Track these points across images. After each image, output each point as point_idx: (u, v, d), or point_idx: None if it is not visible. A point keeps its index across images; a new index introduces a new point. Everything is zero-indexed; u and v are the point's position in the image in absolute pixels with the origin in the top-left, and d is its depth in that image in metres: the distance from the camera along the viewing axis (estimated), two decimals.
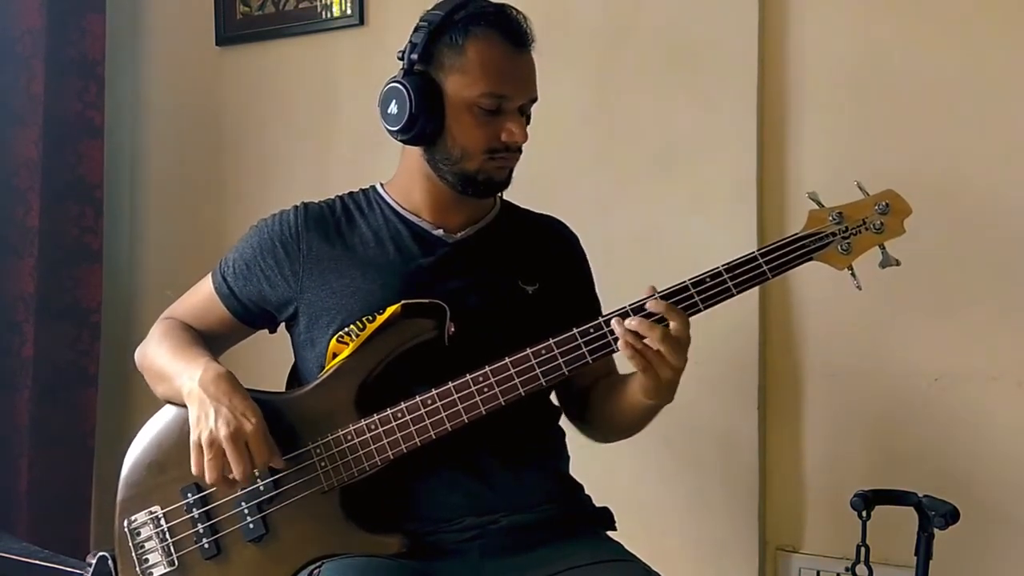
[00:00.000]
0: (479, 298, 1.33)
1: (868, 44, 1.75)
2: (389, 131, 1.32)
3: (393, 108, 1.30)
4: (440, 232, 1.37)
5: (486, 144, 1.29)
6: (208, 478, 1.22)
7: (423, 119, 1.28)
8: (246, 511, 1.27)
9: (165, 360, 1.36)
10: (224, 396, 1.23)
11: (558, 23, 1.95)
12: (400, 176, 1.41)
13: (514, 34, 1.30)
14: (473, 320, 1.29)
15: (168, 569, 1.30)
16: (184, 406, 1.28)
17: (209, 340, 1.41)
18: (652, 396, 1.24)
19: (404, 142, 1.33)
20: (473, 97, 1.28)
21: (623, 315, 1.21)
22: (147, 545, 1.31)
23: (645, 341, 1.18)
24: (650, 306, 1.20)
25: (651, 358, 1.19)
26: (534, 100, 1.34)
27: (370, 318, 1.27)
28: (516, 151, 1.32)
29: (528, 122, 1.34)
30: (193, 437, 1.23)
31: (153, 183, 2.47)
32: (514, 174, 1.36)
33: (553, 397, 1.43)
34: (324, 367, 1.30)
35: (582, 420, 1.44)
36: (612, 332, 1.21)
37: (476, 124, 1.29)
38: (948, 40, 1.70)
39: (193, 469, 1.23)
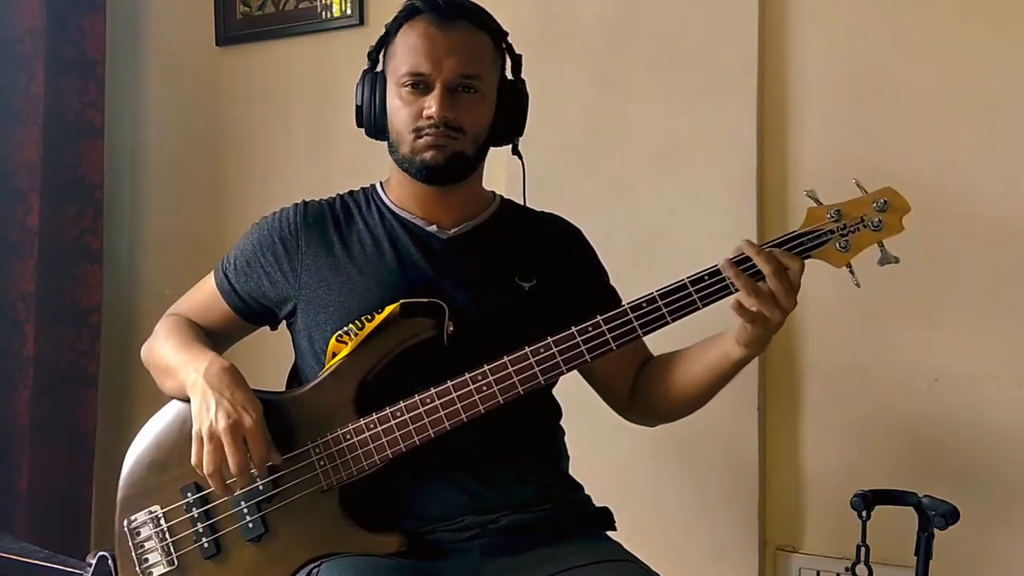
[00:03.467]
0: (474, 295, 1.33)
1: (868, 44, 1.75)
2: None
3: (354, 106, 1.38)
4: (433, 229, 1.37)
5: (411, 123, 1.30)
6: (205, 468, 1.22)
7: (367, 109, 1.36)
8: (245, 510, 1.27)
9: (171, 355, 1.36)
10: (227, 389, 1.24)
11: (559, 23, 1.95)
12: (390, 175, 1.42)
13: (436, 10, 1.32)
14: (469, 317, 1.29)
15: (168, 569, 1.29)
16: (188, 401, 1.29)
17: (212, 338, 1.42)
18: (755, 345, 1.22)
19: (369, 135, 1.38)
20: (397, 79, 1.31)
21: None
22: (147, 545, 1.31)
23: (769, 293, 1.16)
24: (761, 261, 1.17)
25: (765, 307, 1.17)
26: (467, 76, 1.31)
27: (369, 317, 1.27)
28: (447, 127, 1.29)
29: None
30: (194, 428, 1.24)
31: (153, 183, 2.47)
32: (516, 172, 1.36)
33: (554, 396, 1.43)
34: (323, 365, 1.30)
35: (634, 409, 1.44)
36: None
37: (402, 104, 1.31)
38: (947, 40, 1.70)
39: (192, 459, 1.24)
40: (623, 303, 1.24)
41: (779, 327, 1.20)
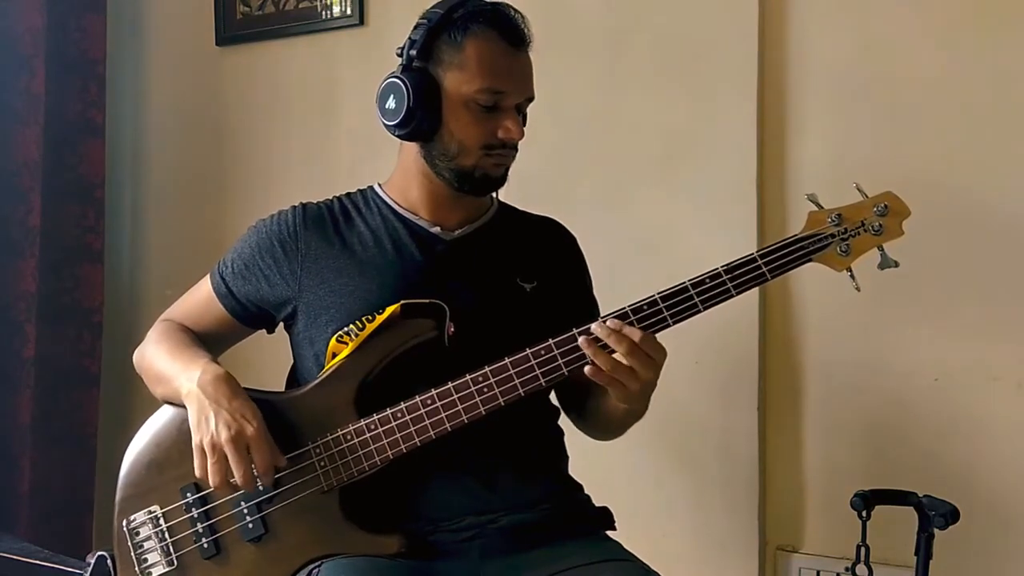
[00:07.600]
0: (477, 296, 1.33)
1: (868, 44, 1.75)
2: (387, 126, 1.32)
3: (391, 103, 1.31)
4: (437, 230, 1.37)
5: (483, 140, 1.30)
6: (212, 482, 1.22)
7: (420, 114, 1.29)
8: (245, 511, 1.27)
9: (163, 361, 1.36)
10: (224, 398, 1.23)
11: (560, 23, 1.95)
12: (397, 175, 1.41)
13: (512, 33, 1.31)
14: (471, 318, 1.29)
15: (167, 569, 1.29)
16: (183, 406, 1.29)
17: (207, 341, 1.41)
18: (625, 403, 1.24)
19: (402, 137, 1.34)
20: (471, 93, 1.29)
21: (584, 333, 1.20)
22: (146, 545, 1.31)
23: (614, 356, 1.18)
24: (596, 329, 1.19)
25: (617, 374, 1.18)
26: (531, 99, 1.35)
27: (369, 318, 1.27)
28: (512, 148, 1.33)
29: (524, 122, 1.35)
30: (195, 440, 1.23)
31: (154, 183, 2.48)
32: (515, 173, 1.37)
33: (552, 397, 1.43)
34: (323, 367, 1.30)
35: (582, 420, 1.44)
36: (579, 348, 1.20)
37: (474, 120, 1.29)
38: (948, 40, 1.70)
39: (196, 473, 1.23)
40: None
41: (649, 388, 1.21)
